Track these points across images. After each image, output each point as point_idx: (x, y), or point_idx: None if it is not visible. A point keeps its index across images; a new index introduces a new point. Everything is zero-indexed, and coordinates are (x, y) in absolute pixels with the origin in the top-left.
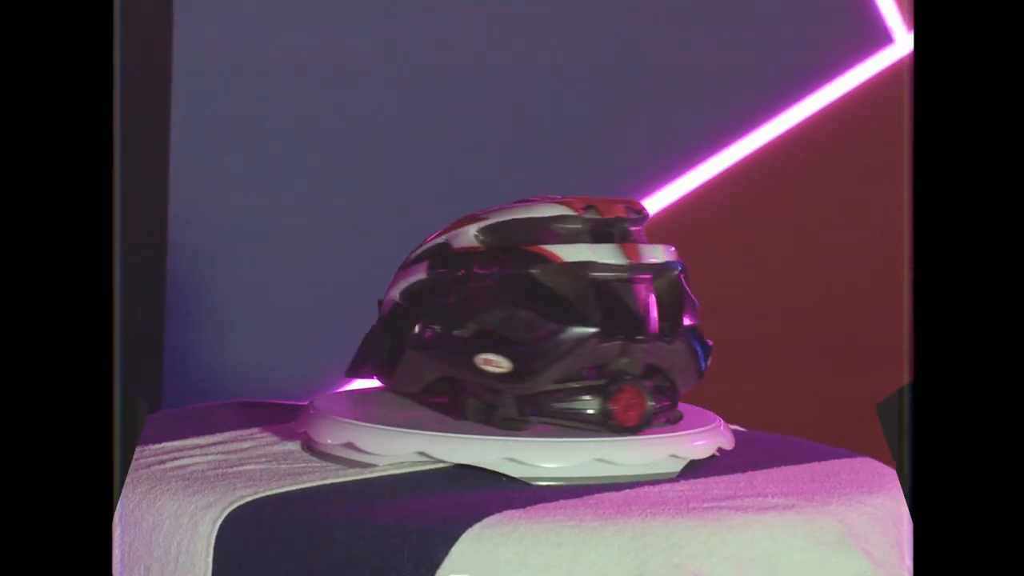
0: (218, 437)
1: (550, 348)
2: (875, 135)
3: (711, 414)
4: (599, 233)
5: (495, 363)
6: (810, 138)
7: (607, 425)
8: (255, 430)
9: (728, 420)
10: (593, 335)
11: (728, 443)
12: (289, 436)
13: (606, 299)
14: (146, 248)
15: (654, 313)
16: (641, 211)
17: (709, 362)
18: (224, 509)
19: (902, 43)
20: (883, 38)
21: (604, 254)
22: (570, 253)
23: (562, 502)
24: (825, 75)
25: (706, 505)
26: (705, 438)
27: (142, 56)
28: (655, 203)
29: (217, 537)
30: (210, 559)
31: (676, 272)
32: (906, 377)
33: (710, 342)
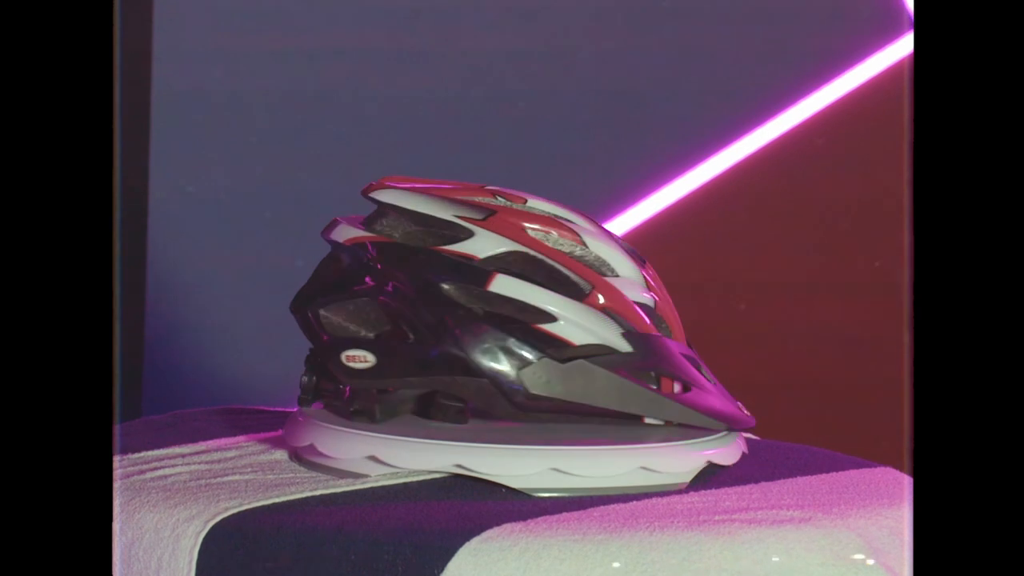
0: (201, 446)
1: None
2: (886, 128)
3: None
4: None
5: None
6: (822, 129)
7: None
8: (240, 438)
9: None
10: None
11: (729, 457)
12: (276, 445)
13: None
14: (127, 250)
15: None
16: (376, 197)
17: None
18: (208, 522)
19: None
20: (905, 25)
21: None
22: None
23: (565, 515)
24: (843, 63)
25: (717, 518)
26: (703, 448)
27: (124, 60)
28: (661, 199)
29: (200, 551)
30: (192, 575)
31: (365, 259)
32: (907, 380)
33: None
